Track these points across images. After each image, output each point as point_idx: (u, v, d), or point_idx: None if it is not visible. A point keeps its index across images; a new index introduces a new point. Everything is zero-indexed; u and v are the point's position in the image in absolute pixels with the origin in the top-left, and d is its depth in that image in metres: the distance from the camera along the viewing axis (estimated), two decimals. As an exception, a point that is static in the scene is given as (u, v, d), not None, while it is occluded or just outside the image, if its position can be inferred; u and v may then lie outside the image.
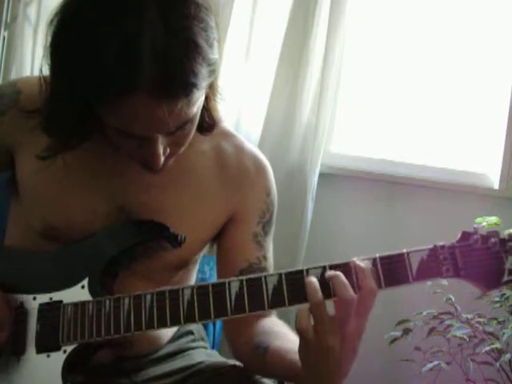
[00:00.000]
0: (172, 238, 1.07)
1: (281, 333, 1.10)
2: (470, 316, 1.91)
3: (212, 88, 1.03)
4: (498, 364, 1.86)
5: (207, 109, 1.06)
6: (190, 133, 1.00)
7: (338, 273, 0.92)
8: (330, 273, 0.92)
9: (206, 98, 1.03)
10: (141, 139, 0.95)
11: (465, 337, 1.87)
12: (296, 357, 0.95)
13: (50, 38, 0.93)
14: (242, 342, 1.13)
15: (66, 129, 1.01)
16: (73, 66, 0.90)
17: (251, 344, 1.10)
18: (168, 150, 0.99)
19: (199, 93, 0.93)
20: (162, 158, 0.98)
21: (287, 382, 1.10)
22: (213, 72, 0.94)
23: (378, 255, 0.95)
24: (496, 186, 2.37)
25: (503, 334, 1.84)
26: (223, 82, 1.11)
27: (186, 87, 0.89)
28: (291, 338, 1.04)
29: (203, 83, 0.92)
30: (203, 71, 0.90)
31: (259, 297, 0.95)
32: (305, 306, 0.91)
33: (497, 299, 1.89)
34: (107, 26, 0.86)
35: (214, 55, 0.92)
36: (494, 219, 1.84)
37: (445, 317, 1.94)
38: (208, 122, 1.08)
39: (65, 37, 0.91)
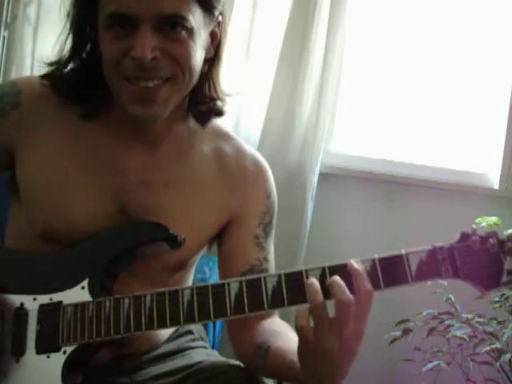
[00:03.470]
0: (171, 240, 1.07)
1: (282, 333, 1.10)
2: (470, 316, 1.90)
3: (217, 53, 1.09)
4: (498, 364, 1.86)
5: (210, 77, 1.09)
6: (184, 45, 1.00)
7: (335, 276, 0.92)
8: (329, 279, 0.92)
9: (210, 66, 1.07)
10: (130, 32, 0.97)
11: (465, 337, 1.87)
12: (296, 358, 0.95)
13: None
14: (244, 342, 1.13)
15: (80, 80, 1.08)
16: None
17: (253, 344, 1.11)
18: (158, 54, 0.98)
19: None
20: (149, 52, 0.97)
21: (287, 382, 1.10)
22: None
23: (376, 256, 0.95)
24: (496, 186, 2.36)
25: (503, 333, 1.84)
26: (223, 82, 1.12)
27: None
28: (292, 339, 1.03)
29: None
30: None
31: (259, 297, 0.95)
32: (304, 307, 0.91)
33: (497, 299, 1.88)
34: None
35: None
36: (493, 219, 1.84)
37: (445, 317, 1.93)
38: (209, 97, 1.10)
39: None
